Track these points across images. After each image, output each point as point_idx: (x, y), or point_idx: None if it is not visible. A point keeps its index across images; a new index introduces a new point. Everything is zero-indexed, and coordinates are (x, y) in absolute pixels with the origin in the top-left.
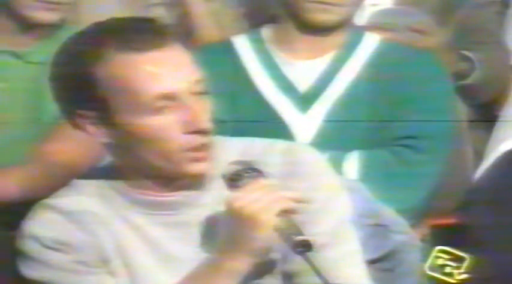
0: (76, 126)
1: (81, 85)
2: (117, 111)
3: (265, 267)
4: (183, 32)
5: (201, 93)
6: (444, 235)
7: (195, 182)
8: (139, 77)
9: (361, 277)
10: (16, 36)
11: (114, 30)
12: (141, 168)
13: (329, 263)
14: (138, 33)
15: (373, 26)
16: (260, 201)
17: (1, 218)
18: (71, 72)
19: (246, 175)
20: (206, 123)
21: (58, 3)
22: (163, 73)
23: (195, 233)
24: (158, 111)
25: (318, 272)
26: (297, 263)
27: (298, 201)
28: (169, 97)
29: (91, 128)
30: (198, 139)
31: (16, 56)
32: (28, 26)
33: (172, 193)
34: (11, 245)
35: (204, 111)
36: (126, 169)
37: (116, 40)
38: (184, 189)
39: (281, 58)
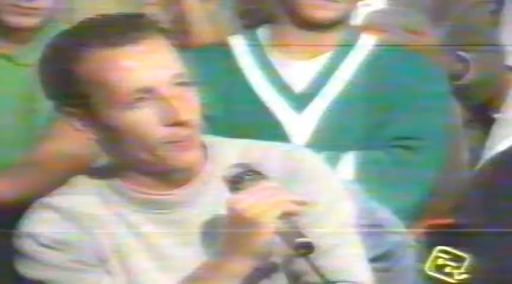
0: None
1: (64, 83)
2: (99, 107)
3: (267, 269)
4: (178, 32)
5: (182, 86)
6: (441, 235)
7: (188, 178)
8: (115, 72)
9: (369, 278)
10: (4, 40)
11: (94, 28)
12: (130, 163)
13: (339, 264)
14: (115, 28)
15: (368, 27)
16: (261, 204)
17: (1, 218)
18: (54, 70)
19: (247, 177)
20: (187, 115)
21: (35, 8)
22: (139, 67)
23: (192, 233)
24: (136, 105)
25: (319, 274)
26: (302, 262)
27: (300, 204)
28: (146, 90)
29: (78, 125)
30: (179, 132)
31: (7, 58)
32: (10, 30)
33: (168, 192)
34: (9, 245)
35: (186, 104)
36: (118, 165)
37: (95, 37)
38: (180, 186)
39: (277, 58)
